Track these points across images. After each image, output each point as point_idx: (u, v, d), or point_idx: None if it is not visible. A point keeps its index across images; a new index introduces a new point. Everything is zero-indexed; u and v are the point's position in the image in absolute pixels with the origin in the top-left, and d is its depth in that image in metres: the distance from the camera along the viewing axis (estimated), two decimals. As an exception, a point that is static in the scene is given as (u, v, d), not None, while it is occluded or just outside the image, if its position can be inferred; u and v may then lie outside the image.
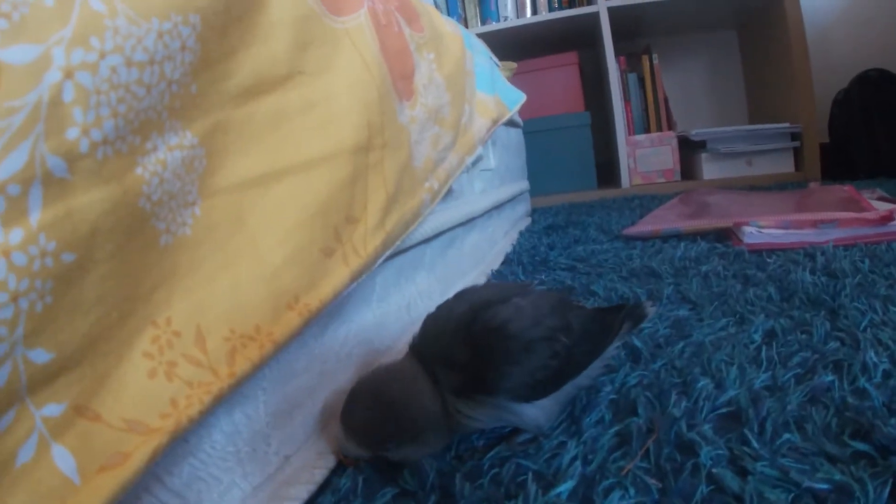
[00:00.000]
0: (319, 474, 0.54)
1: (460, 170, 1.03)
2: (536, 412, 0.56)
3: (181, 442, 0.44)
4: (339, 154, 0.61)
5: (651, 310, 0.70)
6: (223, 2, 0.48)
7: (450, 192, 1.05)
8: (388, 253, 0.69)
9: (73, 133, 0.34)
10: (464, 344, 0.55)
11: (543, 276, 1.23)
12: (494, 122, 1.34)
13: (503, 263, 1.41)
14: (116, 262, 0.38)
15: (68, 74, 0.34)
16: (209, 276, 0.46)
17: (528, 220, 2.09)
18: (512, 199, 1.82)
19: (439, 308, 0.61)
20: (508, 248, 1.56)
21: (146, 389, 0.39)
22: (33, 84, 0.32)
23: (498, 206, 1.57)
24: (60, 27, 0.34)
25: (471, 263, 1.26)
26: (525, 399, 0.55)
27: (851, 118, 2.50)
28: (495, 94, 1.43)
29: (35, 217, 0.32)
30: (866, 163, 2.42)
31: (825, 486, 0.45)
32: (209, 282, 0.46)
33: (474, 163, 1.16)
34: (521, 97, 1.69)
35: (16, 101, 0.31)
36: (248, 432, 0.51)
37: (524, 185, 2.11)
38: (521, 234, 1.78)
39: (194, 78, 0.45)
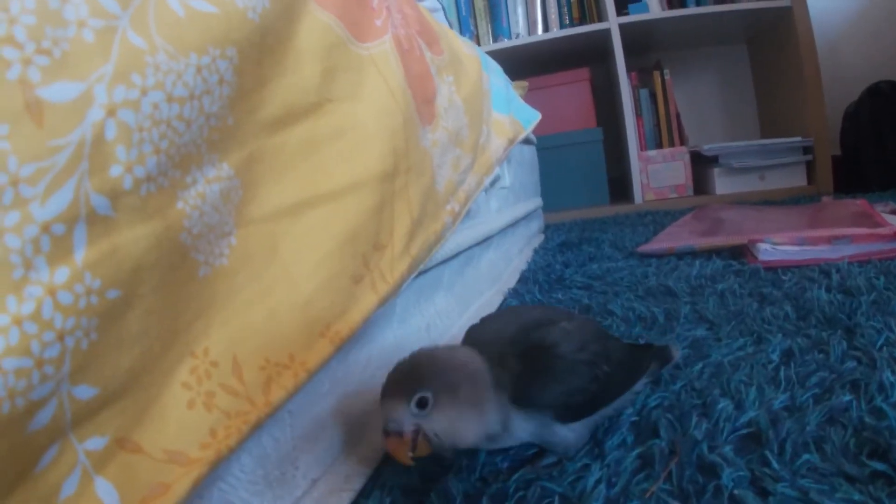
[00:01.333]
0: (347, 497, 0.55)
1: (479, 190, 1.04)
2: (570, 434, 0.58)
3: None
4: (368, 182, 0.61)
5: (677, 353, 0.73)
6: (259, 33, 0.48)
7: (467, 211, 1.05)
8: (412, 277, 0.70)
9: (116, 171, 0.34)
10: (514, 357, 0.57)
11: (560, 296, 1.23)
12: (511, 141, 1.34)
13: (519, 281, 1.42)
14: (159, 296, 0.38)
15: (111, 112, 0.34)
16: (245, 306, 0.46)
17: (541, 237, 2.09)
18: (526, 216, 1.83)
19: (484, 321, 0.64)
20: (524, 266, 1.57)
21: (186, 420, 0.39)
22: (76, 122, 0.32)
23: (513, 224, 1.58)
24: (102, 63, 0.34)
25: (487, 282, 1.26)
26: (562, 418, 0.57)
27: (862, 130, 2.50)
28: (510, 113, 1.43)
29: (80, 255, 0.32)
30: (878, 175, 2.41)
31: None
32: (245, 311, 0.46)
33: (492, 183, 1.16)
34: (536, 116, 1.70)
35: (60, 140, 0.31)
36: (275, 455, 0.51)
37: (538, 201, 2.11)
38: (535, 251, 1.79)
39: (231, 110, 0.46)
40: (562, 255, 1.68)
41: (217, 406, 0.41)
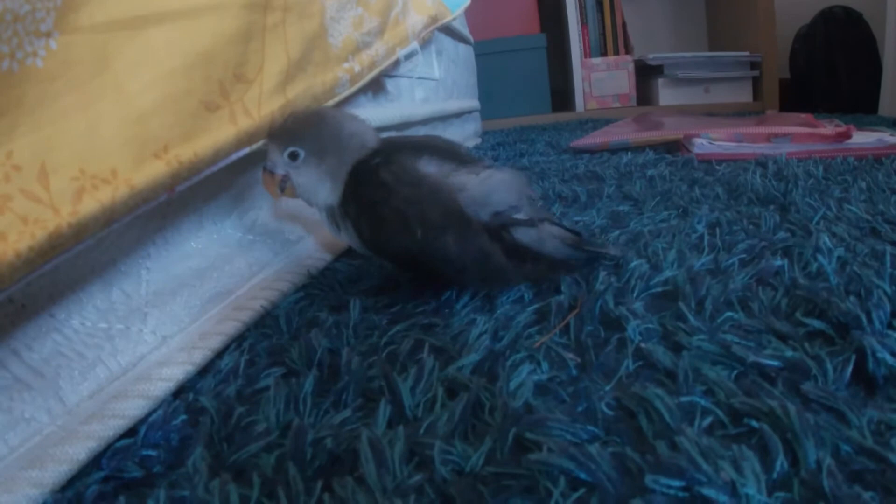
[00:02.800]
0: (200, 355, 0.49)
1: (389, 60, 0.98)
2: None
3: (45, 316, 0.42)
4: (229, 6, 0.56)
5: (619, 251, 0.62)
6: None
7: (385, 92, 1.04)
8: None
9: None
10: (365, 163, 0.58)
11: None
12: (433, 19, 1.27)
13: (444, 172, 1.34)
14: None
15: None
16: (62, 114, 0.41)
17: (477, 140, 2.03)
18: (460, 116, 1.78)
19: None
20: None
21: None
22: None
23: (443, 119, 1.53)
24: None
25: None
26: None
27: (813, 54, 2.46)
28: (436, -7, 1.35)
29: None
30: (826, 98, 2.38)
31: (775, 363, 0.40)
32: (62, 119, 0.41)
33: (408, 57, 1.09)
34: (464, 0, 1.60)
35: None
36: (124, 310, 0.48)
37: (474, 103, 2.04)
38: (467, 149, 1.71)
39: None
40: (493, 151, 1.61)
41: (12, 210, 0.36)
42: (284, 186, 0.59)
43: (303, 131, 0.58)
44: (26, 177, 0.38)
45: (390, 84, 1.06)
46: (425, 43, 1.24)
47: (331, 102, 0.75)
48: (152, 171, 0.45)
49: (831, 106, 2.32)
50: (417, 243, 0.53)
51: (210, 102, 0.52)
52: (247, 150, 0.57)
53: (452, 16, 1.45)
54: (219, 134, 0.52)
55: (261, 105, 0.59)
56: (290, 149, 0.57)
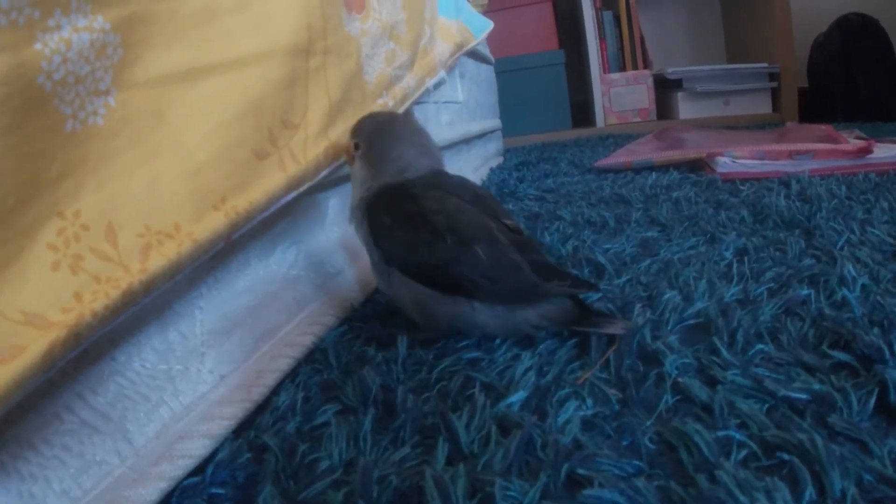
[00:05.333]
0: (257, 393, 0.51)
1: (420, 91, 1.00)
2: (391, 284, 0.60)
3: (108, 360, 0.43)
4: (275, 54, 0.57)
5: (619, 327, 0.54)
6: None
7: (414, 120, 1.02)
8: (334, 165, 0.67)
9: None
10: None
11: (512, 206, 1.18)
12: (458, 46, 1.29)
13: (471, 195, 1.36)
14: (12, 139, 0.34)
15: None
16: (124, 170, 0.42)
17: (500, 159, 2.04)
18: (483, 136, 1.79)
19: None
20: (478, 182, 1.51)
21: (48, 282, 0.36)
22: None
23: (467, 141, 1.54)
24: None
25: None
26: (385, 256, 0.60)
27: (831, 62, 2.45)
28: (459, 19, 1.37)
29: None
30: (845, 107, 2.38)
31: (803, 396, 0.42)
32: (124, 176, 0.42)
33: (436, 86, 1.12)
34: (487, 25, 1.63)
35: None
36: (182, 351, 0.49)
37: (496, 123, 2.05)
38: (491, 170, 1.73)
39: None
40: (518, 172, 1.63)
41: (85, 270, 0.38)
42: (352, 160, 0.67)
43: (367, 132, 0.66)
44: (95, 236, 0.39)
45: (418, 111, 1.07)
46: (450, 68, 1.26)
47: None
48: (212, 223, 0.47)
49: (850, 114, 2.31)
50: (448, 251, 0.55)
51: (261, 150, 0.54)
52: (294, 194, 0.58)
53: (476, 41, 1.47)
54: (270, 181, 0.54)
55: (307, 149, 0.61)
56: (354, 140, 0.66)
